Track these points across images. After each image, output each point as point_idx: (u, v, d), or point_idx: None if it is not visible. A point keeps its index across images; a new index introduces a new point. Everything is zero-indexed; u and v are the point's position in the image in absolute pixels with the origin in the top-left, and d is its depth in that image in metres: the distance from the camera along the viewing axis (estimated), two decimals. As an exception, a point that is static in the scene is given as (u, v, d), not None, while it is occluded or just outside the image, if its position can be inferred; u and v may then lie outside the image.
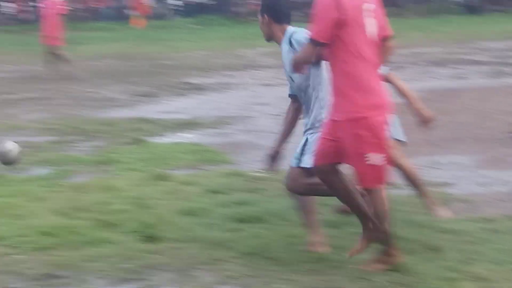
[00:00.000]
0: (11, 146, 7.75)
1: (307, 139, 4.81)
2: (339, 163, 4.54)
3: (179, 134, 9.66)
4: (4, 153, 7.70)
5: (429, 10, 31.00)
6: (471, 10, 30.27)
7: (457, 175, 7.30)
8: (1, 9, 34.08)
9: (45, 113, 11.42)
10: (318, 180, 4.58)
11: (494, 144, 8.56)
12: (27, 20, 31.43)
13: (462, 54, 17.40)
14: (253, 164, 7.49)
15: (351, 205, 4.62)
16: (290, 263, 4.68)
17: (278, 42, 4.95)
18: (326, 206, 5.59)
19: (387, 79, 5.18)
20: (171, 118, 10.74)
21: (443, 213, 5.75)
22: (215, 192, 6.57)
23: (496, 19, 27.78)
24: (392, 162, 4.69)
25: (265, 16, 4.94)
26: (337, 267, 4.60)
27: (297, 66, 4.56)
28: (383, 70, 4.73)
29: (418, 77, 14.38)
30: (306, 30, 4.64)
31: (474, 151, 8.24)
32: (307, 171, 4.67)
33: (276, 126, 10.03)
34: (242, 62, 17.38)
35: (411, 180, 5.80)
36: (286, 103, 5.16)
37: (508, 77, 13.65)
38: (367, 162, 4.40)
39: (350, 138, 4.39)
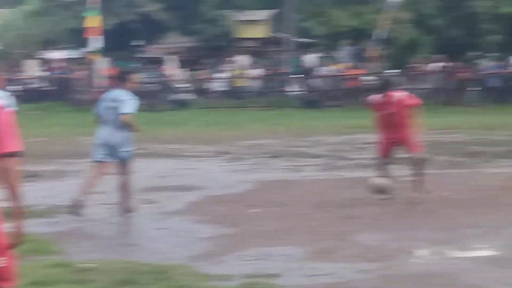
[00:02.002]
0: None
1: None
2: None
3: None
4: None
5: (270, 102, 31.82)
6: (310, 104, 31.28)
7: (286, 266, 7.36)
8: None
9: None
10: None
11: (325, 235, 8.72)
12: None
13: (300, 147, 17.84)
14: (83, 254, 7.29)
15: None
16: None
17: None
18: None
19: None
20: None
21: None
22: (39, 284, 6.32)
23: (334, 114, 28.84)
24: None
25: None
26: None
27: None
28: None
29: (256, 168, 14.61)
30: None
31: (305, 243, 8.37)
32: None
33: (109, 215, 10.00)
34: (80, 149, 17.09)
35: None
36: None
37: (341, 171, 14.07)
38: None
39: None
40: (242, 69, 34.06)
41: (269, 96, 32.96)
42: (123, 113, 9.87)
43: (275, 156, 16.23)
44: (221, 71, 34.28)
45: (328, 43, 37.60)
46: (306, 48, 40.10)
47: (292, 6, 38.48)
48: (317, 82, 33.03)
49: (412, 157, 10.86)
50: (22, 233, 4.46)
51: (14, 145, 4.37)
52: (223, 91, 33.41)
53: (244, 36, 39.88)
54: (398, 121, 10.73)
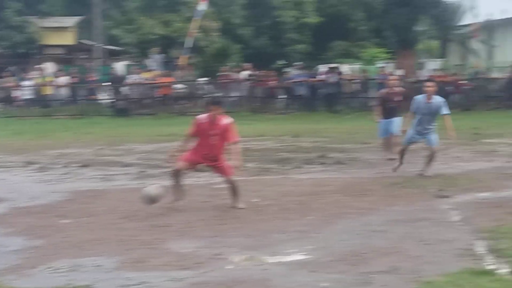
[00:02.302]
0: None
1: None
2: None
3: None
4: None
5: (79, 111, 31.21)
6: (121, 112, 30.98)
7: (98, 277, 7.23)
8: None
9: None
10: None
11: (136, 244, 8.62)
12: None
13: (111, 156, 17.59)
14: None
15: None
16: None
17: None
18: None
19: None
20: None
21: None
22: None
23: (145, 122, 28.73)
24: None
25: None
26: None
27: None
28: None
29: (65, 178, 14.25)
30: None
31: (117, 253, 8.24)
32: None
33: None
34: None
35: None
36: None
37: (153, 179, 13.99)
38: None
39: None
40: (49, 76, 33.17)
41: (77, 104, 32.31)
42: None
43: (85, 165, 15.88)
44: (28, 79, 33.22)
45: (138, 51, 37.41)
46: (115, 55, 39.74)
47: (100, 13, 38.02)
48: (128, 90, 32.73)
49: (226, 181, 11.04)
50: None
51: None
52: (30, 100, 32.40)
53: (51, 43, 38.91)
54: (216, 144, 10.89)
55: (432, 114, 13.76)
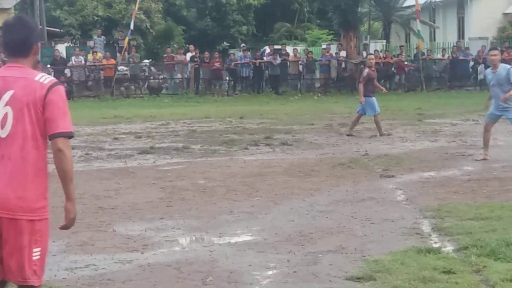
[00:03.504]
0: None
1: None
2: None
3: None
4: None
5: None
6: (64, 95, 30.58)
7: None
8: None
9: None
10: None
11: (83, 227, 8.53)
12: None
13: (54, 139, 17.34)
14: None
15: None
16: None
17: None
18: None
19: None
20: None
21: None
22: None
23: (89, 104, 28.47)
24: None
25: None
26: None
27: None
28: None
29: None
30: None
31: (63, 236, 8.13)
32: None
33: None
34: None
35: None
36: None
37: (97, 162, 13.87)
38: None
39: None
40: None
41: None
42: None
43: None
44: (-33, 61, 32.53)
45: (80, 33, 36.96)
46: (57, 37, 39.16)
47: (41, -6, 37.38)
48: (70, 72, 32.31)
49: None
50: (71, 217, 4.42)
51: (68, 125, 4.27)
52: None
53: (-9, 24, 38.16)
54: None
55: (501, 83, 12.58)
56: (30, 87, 4.29)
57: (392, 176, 11.63)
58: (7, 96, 4.29)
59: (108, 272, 6.80)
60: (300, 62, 33.64)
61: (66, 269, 6.86)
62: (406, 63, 34.33)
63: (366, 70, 17.45)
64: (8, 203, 4.23)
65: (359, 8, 39.03)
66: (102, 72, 32.17)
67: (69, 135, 4.31)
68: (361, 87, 17.17)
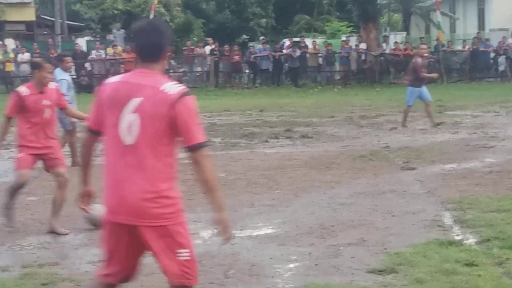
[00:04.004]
0: None
1: None
2: None
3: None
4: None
5: None
6: (84, 89, 30.56)
7: (66, 254, 7.22)
8: None
9: None
10: None
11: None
12: None
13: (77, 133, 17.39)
14: None
15: None
16: None
17: None
18: None
19: None
20: None
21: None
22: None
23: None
24: None
25: None
26: None
27: None
28: None
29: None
30: None
31: (84, 229, 8.19)
32: None
33: None
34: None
35: None
36: None
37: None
38: None
39: None
40: (10, 53, 32.72)
41: (40, 81, 31.88)
42: None
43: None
44: (-12, 56, 32.74)
45: (100, 27, 37.08)
46: (77, 31, 39.34)
47: (62, -12, 37.61)
48: (90, 66, 32.43)
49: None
50: (226, 227, 4.37)
51: (199, 136, 4.27)
52: (-9, 76, 31.96)
53: (11, 19, 38.41)
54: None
55: None
56: (157, 97, 4.23)
57: (413, 168, 11.59)
58: (134, 103, 4.25)
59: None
60: (319, 54, 33.56)
61: (88, 262, 6.89)
62: (426, 55, 34.13)
63: (420, 60, 17.35)
64: (138, 210, 4.25)
65: (379, 0, 38.87)
66: (122, 65, 32.23)
67: (202, 145, 4.27)
68: (425, 75, 17.25)
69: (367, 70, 33.28)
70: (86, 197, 4.72)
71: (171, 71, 33.23)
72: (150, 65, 4.34)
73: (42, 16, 40.19)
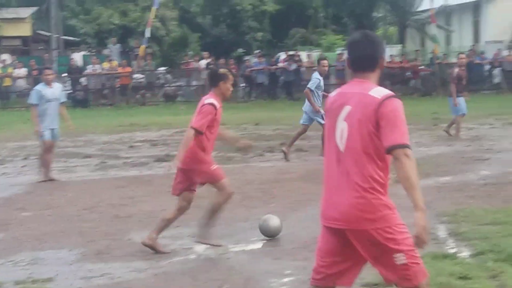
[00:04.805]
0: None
1: None
2: None
3: None
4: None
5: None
6: (80, 103, 30.70)
7: (60, 270, 7.17)
8: None
9: None
10: None
11: (98, 236, 8.56)
12: None
13: (71, 147, 17.42)
14: None
15: None
16: None
17: None
18: None
19: None
20: None
21: None
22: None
23: (104, 112, 28.53)
24: None
25: None
26: None
27: None
28: None
29: (25, 171, 14.10)
30: None
31: (78, 245, 8.17)
32: None
33: None
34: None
35: None
36: None
37: (113, 170, 13.91)
38: None
39: None
40: (7, 68, 32.72)
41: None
42: None
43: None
44: (-16, 71, 32.71)
45: (96, 41, 37.10)
46: (73, 46, 39.37)
47: (57, 3, 37.64)
48: (86, 81, 32.43)
49: None
50: (424, 231, 4.30)
51: (401, 137, 4.29)
52: (-13, 92, 31.91)
53: (7, 34, 38.46)
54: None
55: None
56: (363, 102, 4.37)
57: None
58: (345, 111, 4.41)
59: (124, 280, 6.81)
60: (314, 67, 33.55)
61: (82, 278, 6.88)
62: (421, 67, 34.21)
63: (456, 70, 17.40)
64: (350, 215, 4.35)
65: (374, 13, 38.95)
66: (118, 80, 32.24)
67: (402, 147, 4.30)
68: (453, 87, 17.19)
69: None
70: None
71: (167, 85, 33.27)
72: (366, 75, 4.51)
73: (37, 31, 40.19)
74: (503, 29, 38.69)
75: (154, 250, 7.68)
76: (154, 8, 33.55)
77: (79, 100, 31.22)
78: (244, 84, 33.43)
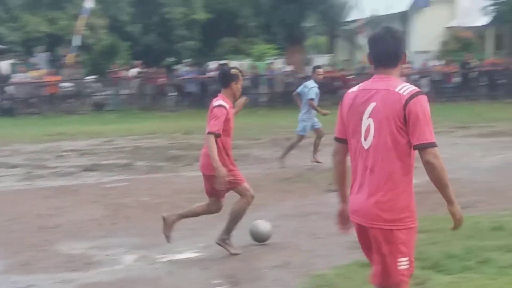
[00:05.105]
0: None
1: None
2: None
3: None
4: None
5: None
6: (6, 112, 30.16)
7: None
8: None
9: None
10: None
11: (23, 247, 8.39)
12: None
13: (-4, 157, 17.08)
14: None
15: None
16: None
17: None
18: None
19: None
20: None
21: None
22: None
23: (32, 121, 28.05)
24: None
25: None
26: None
27: None
28: None
29: None
30: None
31: (3, 256, 7.99)
32: None
33: None
34: None
35: None
36: None
37: (40, 180, 13.66)
38: None
39: None
40: None
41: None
42: None
43: (-32, 167, 15.36)
44: None
45: (23, 49, 36.47)
46: (1, 54, 38.58)
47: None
48: (13, 89, 31.85)
49: None
50: (459, 217, 4.39)
51: (430, 135, 4.25)
52: None
53: None
54: None
55: None
56: (390, 99, 4.31)
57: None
58: (370, 108, 4.36)
59: (49, 292, 6.68)
60: (245, 77, 33.64)
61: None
62: (350, 77, 34.59)
63: None
64: (370, 212, 4.35)
65: (304, 23, 39.27)
66: (45, 88, 31.75)
67: (428, 146, 4.25)
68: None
69: (292, 93, 33.45)
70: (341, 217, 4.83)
71: (95, 94, 32.91)
72: (388, 71, 4.46)
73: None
74: (430, 40, 39.43)
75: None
76: (83, 16, 33.17)
77: (5, 109, 30.66)
78: (174, 93, 33.30)
